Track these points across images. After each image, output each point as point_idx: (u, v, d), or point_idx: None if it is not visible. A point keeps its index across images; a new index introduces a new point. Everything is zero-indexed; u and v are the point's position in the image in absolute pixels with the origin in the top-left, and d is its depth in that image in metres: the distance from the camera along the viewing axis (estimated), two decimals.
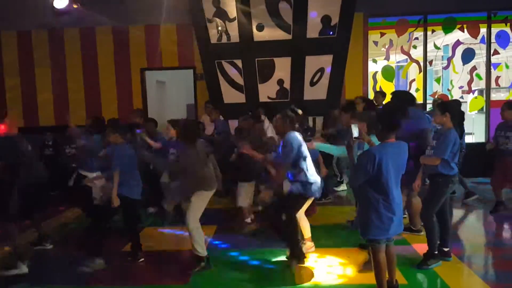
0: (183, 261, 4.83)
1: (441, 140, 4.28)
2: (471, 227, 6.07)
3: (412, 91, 9.60)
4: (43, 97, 9.54)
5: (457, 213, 6.46)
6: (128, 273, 4.61)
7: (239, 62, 8.60)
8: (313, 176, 4.46)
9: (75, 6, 8.50)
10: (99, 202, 5.32)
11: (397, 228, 3.58)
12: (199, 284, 4.27)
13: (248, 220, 5.73)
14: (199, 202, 4.60)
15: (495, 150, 6.14)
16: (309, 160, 4.45)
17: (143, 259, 4.87)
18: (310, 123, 8.74)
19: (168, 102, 12.20)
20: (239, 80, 8.68)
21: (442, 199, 4.36)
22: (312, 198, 4.60)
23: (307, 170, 4.40)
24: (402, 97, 5.15)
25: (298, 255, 4.51)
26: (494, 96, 9.93)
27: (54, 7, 8.72)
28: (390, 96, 5.43)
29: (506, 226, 5.97)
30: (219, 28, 8.43)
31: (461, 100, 8.53)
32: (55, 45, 9.47)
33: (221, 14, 8.37)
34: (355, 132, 3.84)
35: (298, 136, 4.43)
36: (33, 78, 9.56)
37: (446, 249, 4.52)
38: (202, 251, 4.56)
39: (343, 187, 7.98)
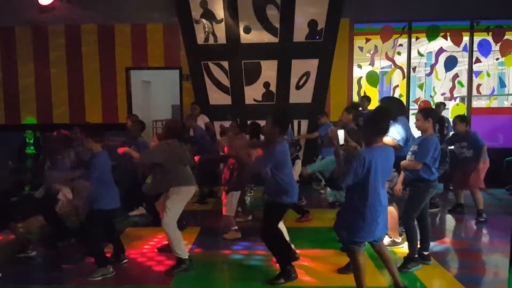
0: (165, 262, 4.80)
1: (423, 145, 4.36)
2: (451, 232, 6.18)
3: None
4: (25, 95, 9.39)
5: (437, 218, 6.61)
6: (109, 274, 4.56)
7: (225, 64, 8.60)
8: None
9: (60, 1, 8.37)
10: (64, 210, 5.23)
11: (382, 230, 3.59)
12: (181, 286, 4.25)
13: (235, 227, 5.68)
14: (177, 202, 4.51)
15: (454, 159, 6.69)
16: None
17: (126, 260, 4.82)
18: (296, 126, 8.82)
19: (153, 102, 12.14)
20: (225, 82, 8.68)
21: (422, 204, 4.43)
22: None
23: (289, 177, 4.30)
24: (392, 104, 5.05)
25: (288, 273, 4.23)
26: (475, 103, 10.14)
27: (38, 3, 8.62)
28: (379, 103, 5.52)
29: (484, 231, 6.11)
30: (206, 29, 8.43)
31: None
32: (39, 42, 9.33)
33: (208, 15, 8.37)
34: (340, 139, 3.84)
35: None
36: (16, 75, 9.39)
37: (426, 253, 4.60)
38: (183, 252, 4.50)
39: (327, 189, 8.01)
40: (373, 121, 3.58)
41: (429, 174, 4.36)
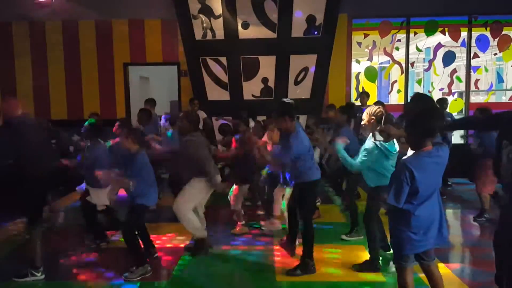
0: (165, 257, 4.82)
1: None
2: (451, 228, 6.20)
3: (394, 92, 9.79)
4: (22, 91, 9.36)
5: None
6: (108, 268, 4.57)
7: (223, 60, 8.59)
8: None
9: None
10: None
11: (435, 241, 3.07)
12: (181, 280, 4.27)
13: (243, 221, 5.69)
14: (194, 190, 4.59)
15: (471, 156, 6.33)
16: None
17: (156, 254, 4.80)
18: None
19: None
20: (224, 77, 8.68)
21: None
22: None
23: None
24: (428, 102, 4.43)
25: (306, 266, 4.29)
26: (474, 98, 10.16)
27: None
28: (410, 99, 5.12)
29: (483, 227, 6.13)
30: (204, 24, 8.41)
31: None
32: (36, 37, 9.30)
33: (206, 10, 8.35)
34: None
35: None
36: (13, 71, 9.36)
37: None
38: (200, 232, 4.64)
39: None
40: (419, 121, 3.04)
41: None
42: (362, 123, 4.23)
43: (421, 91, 10.27)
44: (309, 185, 4.34)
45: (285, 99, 4.58)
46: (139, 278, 4.21)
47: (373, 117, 4.13)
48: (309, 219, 4.39)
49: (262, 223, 5.71)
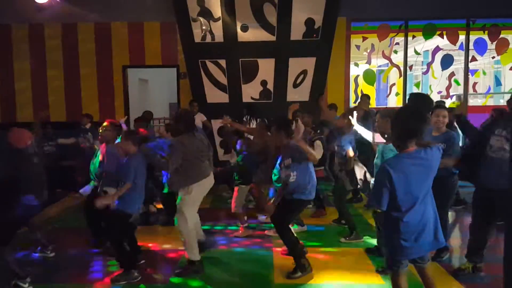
0: (162, 261, 4.82)
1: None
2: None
3: (392, 95, 9.82)
4: (22, 93, 9.37)
5: None
6: (105, 272, 4.57)
7: (223, 62, 8.60)
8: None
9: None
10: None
11: (428, 247, 3.00)
12: (179, 284, 4.26)
13: (245, 224, 5.65)
14: (191, 202, 4.37)
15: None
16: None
17: (143, 261, 4.70)
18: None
19: (150, 101, 12.11)
20: (223, 80, 8.69)
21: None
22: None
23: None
24: (421, 100, 4.65)
25: (303, 267, 4.35)
26: (472, 101, 10.19)
27: (35, 1, 8.59)
28: (408, 98, 5.21)
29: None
30: (203, 27, 8.42)
31: None
32: (35, 40, 9.31)
33: (206, 13, 8.37)
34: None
35: None
36: (12, 74, 9.37)
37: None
38: (194, 256, 4.41)
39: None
40: (399, 122, 2.96)
41: None
42: None
43: None
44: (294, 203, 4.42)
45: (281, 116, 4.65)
46: (125, 282, 4.18)
47: None
48: (283, 231, 4.42)
49: (266, 231, 5.66)
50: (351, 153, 5.15)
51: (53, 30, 9.27)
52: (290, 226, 4.60)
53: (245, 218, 5.72)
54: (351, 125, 5.39)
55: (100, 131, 4.89)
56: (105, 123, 4.92)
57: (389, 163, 2.88)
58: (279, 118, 4.67)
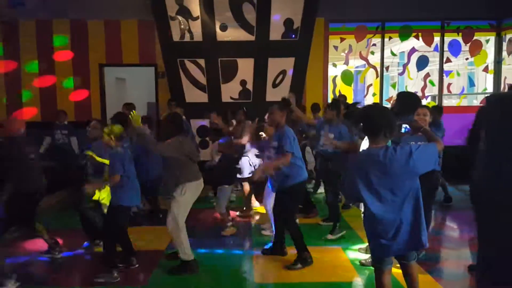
0: (141, 261, 4.76)
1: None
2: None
3: (369, 96, 9.95)
4: None
5: None
6: (82, 273, 4.50)
7: (201, 62, 8.56)
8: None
9: None
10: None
11: (404, 246, 2.94)
12: (158, 285, 4.22)
13: (229, 223, 5.64)
14: (182, 202, 4.36)
15: None
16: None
17: (137, 265, 4.61)
18: None
19: (128, 100, 11.87)
20: (202, 79, 8.65)
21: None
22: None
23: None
24: (406, 99, 4.57)
25: (305, 259, 4.50)
26: (446, 102, 10.42)
27: None
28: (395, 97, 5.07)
29: (454, 226, 6.29)
30: (182, 26, 8.36)
31: None
32: (9, 37, 9.03)
33: (184, 12, 8.31)
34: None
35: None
36: None
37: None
38: (187, 256, 4.39)
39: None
40: (363, 120, 3.01)
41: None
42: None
43: (395, 95, 10.45)
44: (290, 189, 4.53)
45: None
46: (102, 280, 4.17)
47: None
48: (290, 221, 4.58)
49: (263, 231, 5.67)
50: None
51: (27, 27, 9.01)
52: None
53: (229, 217, 5.75)
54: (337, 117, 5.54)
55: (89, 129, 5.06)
56: (93, 122, 5.16)
57: (353, 157, 3.06)
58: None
